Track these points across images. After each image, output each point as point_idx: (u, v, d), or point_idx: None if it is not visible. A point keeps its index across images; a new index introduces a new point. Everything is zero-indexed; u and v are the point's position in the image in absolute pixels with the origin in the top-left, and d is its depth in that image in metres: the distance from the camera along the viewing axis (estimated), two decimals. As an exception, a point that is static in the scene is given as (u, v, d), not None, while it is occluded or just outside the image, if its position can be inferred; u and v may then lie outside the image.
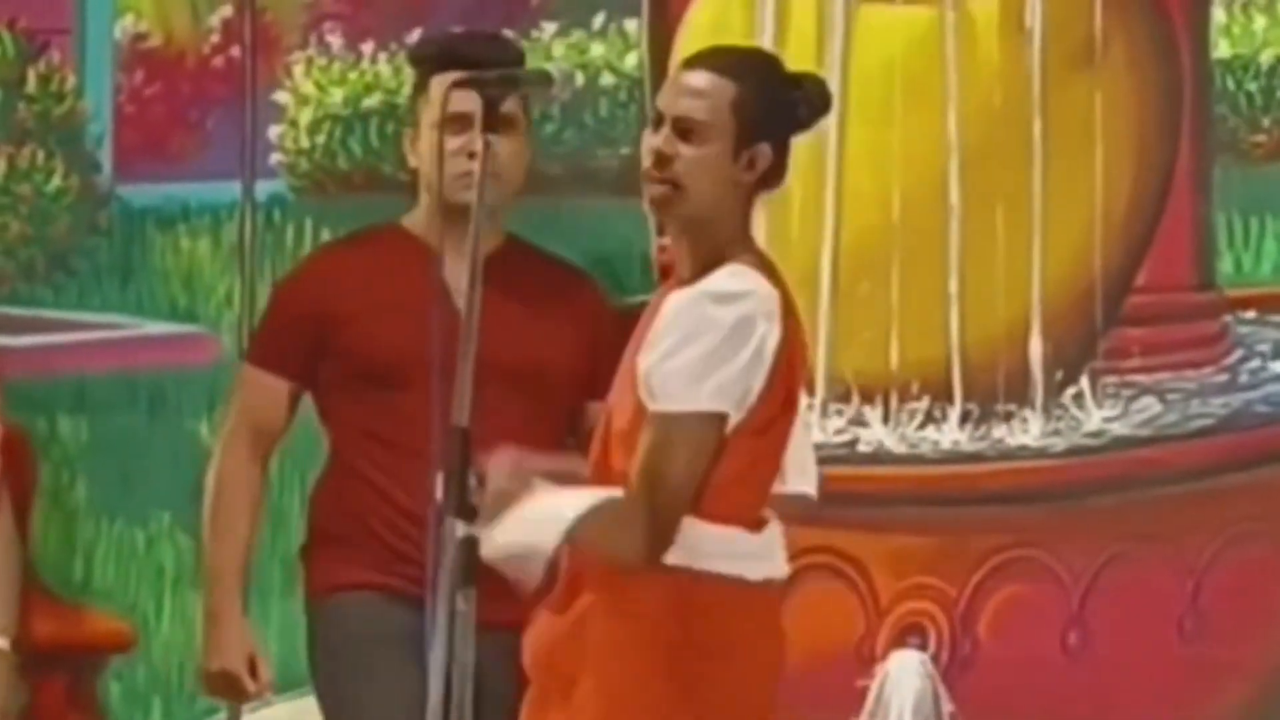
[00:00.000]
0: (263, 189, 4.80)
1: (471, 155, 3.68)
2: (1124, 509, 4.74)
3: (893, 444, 4.72)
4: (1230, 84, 4.75)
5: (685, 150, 3.29)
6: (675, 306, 3.24)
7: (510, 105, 3.55)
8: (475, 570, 3.18)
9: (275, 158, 4.83)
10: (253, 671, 3.99)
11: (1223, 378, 4.74)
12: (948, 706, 4.65)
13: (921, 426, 4.63)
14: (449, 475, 3.19)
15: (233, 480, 3.98)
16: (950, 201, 4.67)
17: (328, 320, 3.90)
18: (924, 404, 4.63)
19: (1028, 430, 4.65)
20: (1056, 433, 4.70)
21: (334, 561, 3.90)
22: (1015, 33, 4.67)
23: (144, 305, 4.85)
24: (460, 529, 3.18)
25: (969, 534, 4.67)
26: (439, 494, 3.22)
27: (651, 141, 3.31)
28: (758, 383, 3.23)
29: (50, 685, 4.51)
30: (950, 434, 4.64)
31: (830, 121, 4.62)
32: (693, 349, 3.21)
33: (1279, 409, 4.75)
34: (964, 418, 4.65)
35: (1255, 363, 4.79)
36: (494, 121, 3.34)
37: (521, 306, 3.82)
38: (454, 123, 3.75)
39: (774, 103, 3.32)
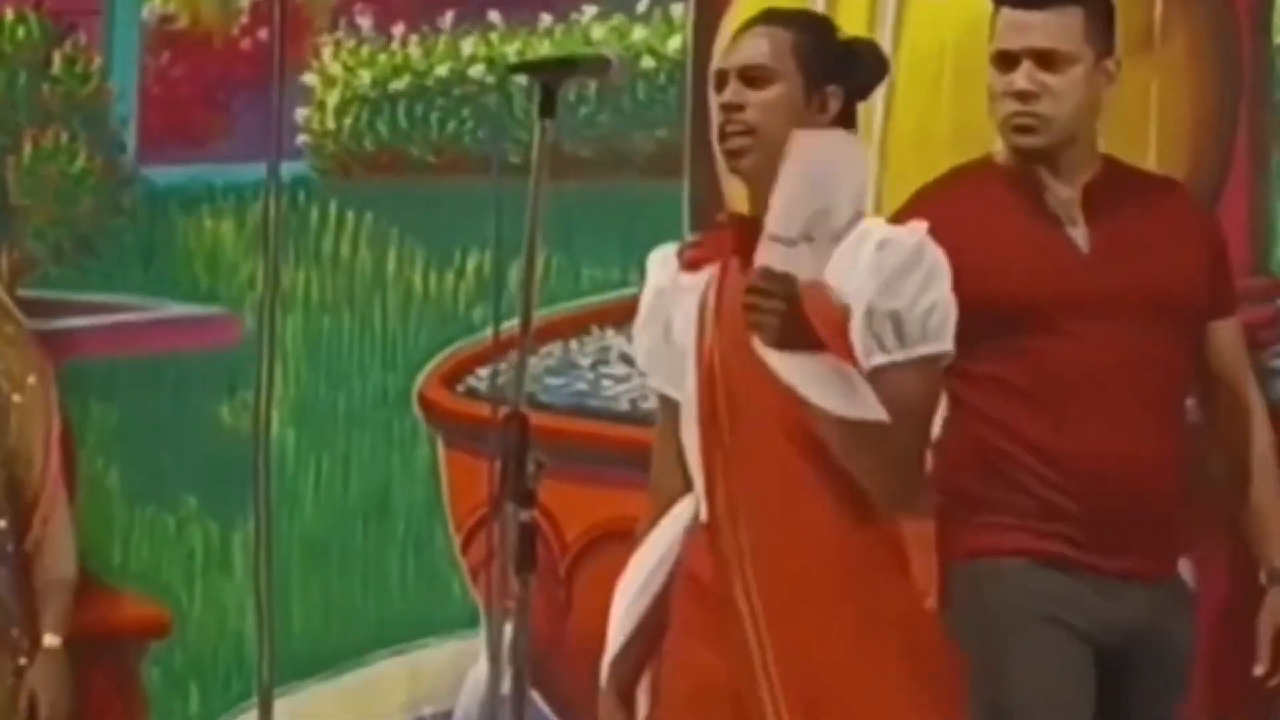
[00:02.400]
0: (287, 170, 4.67)
1: (1020, 95, 3.64)
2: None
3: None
4: (1293, 64, 4.50)
5: (754, 96, 3.35)
6: (900, 250, 3.30)
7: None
8: (534, 556, 3.19)
9: (301, 139, 4.67)
10: None
11: (1278, 362, 4.47)
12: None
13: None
14: (506, 460, 3.19)
15: None
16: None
17: None
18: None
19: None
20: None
21: (977, 524, 3.64)
22: (1072, 18, 4.41)
23: (167, 287, 4.77)
24: (519, 514, 3.18)
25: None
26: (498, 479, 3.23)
27: (719, 99, 3.38)
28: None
29: (96, 673, 4.48)
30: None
31: (877, 103, 4.38)
32: (935, 291, 3.28)
33: (1335, 395, 4.47)
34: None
35: None
36: (550, 107, 3.30)
37: (1133, 233, 3.68)
38: (1002, 61, 3.66)
39: (834, 50, 3.41)
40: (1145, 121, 4.66)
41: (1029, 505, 3.55)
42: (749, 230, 3.33)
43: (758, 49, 3.35)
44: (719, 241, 3.42)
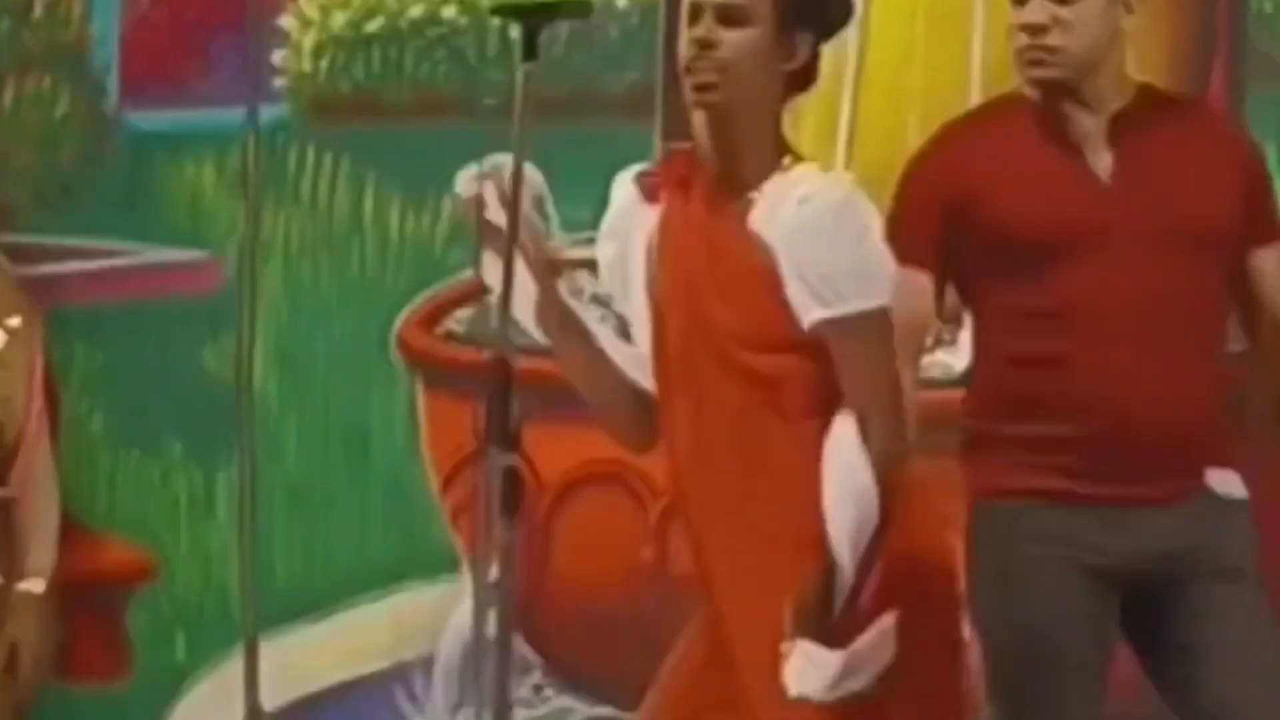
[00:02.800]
0: (266, 114, 4.65)
1: (1030, 28, 3.58)
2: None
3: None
4: (1268, 7, 4.45)
5: (728, 35, 3.36)
6: (828, 207, 3.30)
7: None
8: (519, 500, 3.17)
9: (279, 82, 4.65)
10: None
11: None
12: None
13: (929, 350, 4.39)
14: (491, 404, 3.19)
15: None
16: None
17: (964, 202, 3.61)
18: (932, 329, 4.39)
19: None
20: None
21: (994, 461, 3.61)
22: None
23: (150, 232, 4.75)
24: (502, 459, 3.17)
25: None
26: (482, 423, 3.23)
27: (691, 32, 3.39)
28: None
29: (81, 619, 4.48)
30: (962, 359, 4.42)
31: (849, 54, 4.34)
32: (868, 245, 3.29)
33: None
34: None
35: None
36: (532, 51, 3.33)
37: (1158, 161, 3.55)
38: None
39: None
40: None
41: (1039, 441, 3.54)
42: (694, 168, 3.37)
43: None
44: (670, 175, 3.46)
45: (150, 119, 4.96)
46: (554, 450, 4.47)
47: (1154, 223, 3.45)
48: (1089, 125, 3.50)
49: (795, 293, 3.27)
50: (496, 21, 4.80)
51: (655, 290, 3.38)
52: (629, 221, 3.45)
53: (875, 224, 3.31)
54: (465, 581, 4.71)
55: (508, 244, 3.28)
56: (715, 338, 3.30)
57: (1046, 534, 3.50)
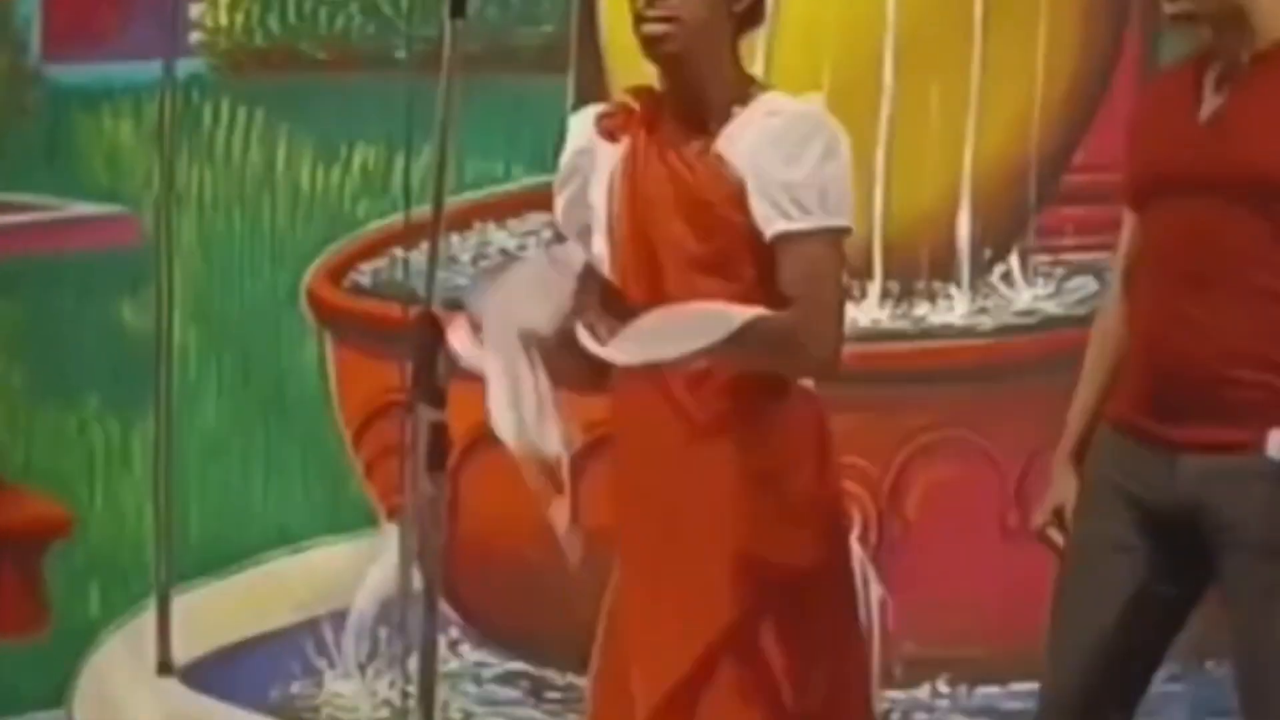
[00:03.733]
0: (183, 68, 4.57)
1: None
2: (1059, 389, 4.45)
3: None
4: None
5: None
6: (795, 120, 3.30)
7: None
8: (446, 455, 3.17)
9: (195, 36, 4.57)
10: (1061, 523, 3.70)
11: None
12: (877, 589, 4.40)
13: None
14: (418, 359, 3.16)
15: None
16: (883, 78, 4.34)
17: (1127, 144, 3.58)
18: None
19: (953, 308, 4.32)
20: (984, 311, 4.41)
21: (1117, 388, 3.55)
22: (963, -96, 4.36)
23: (70, 186, 4.70)
24: (429, 414, 3.17)
25: (891, 414, 4.42)
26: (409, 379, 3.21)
27: None
28: None
29: (0, 571, 4.37)
30: (869, 312, 4.36)
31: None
32: (834, 164, 3.29)
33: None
34: (884, 295, 4.33)
35: None
36: (460, 7, 3.33)
37: (1259, 108, 3.42)
38: None
39: None
40: (1034, 12, 4.59)
41: (1126, 370, 3.52)
42: (657, 106, 3.36)
43: None
44: (632, 114, 3.42)
45: (70, 72, 4.89)
46: (461, 403, 4.42)
47: (1231, 169, 3.38)
48: (1220, 69, 3.42)
49: (758, 205, 3.26)
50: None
51: (616, 228, 3.36)
52: (588, 159, 3.43)
53: (842, 145, 3.30)
54: (380, 536, 4.67)
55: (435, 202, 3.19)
56: (678, 266, 3.28)
57: (1112, 459, 3.49)
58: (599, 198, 3.39)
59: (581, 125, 3.45)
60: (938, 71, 4.69)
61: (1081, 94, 4.66)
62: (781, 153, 3.25)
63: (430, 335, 3.13)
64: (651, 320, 3.20)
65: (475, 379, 4.39)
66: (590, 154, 3.41)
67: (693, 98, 3.31)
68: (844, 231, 3.29)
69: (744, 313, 3.18)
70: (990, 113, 4.66)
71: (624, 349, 3.18)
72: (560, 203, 3.47)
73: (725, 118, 3.30)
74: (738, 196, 3.27)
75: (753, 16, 3.37)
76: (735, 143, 3.29)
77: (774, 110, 3.29)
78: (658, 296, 3.29)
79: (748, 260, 3.28)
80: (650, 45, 3.30)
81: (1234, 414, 3.38)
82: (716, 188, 3.27)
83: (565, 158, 3.46)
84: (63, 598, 4.74)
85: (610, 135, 3.38)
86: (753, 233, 3.26)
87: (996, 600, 4.60)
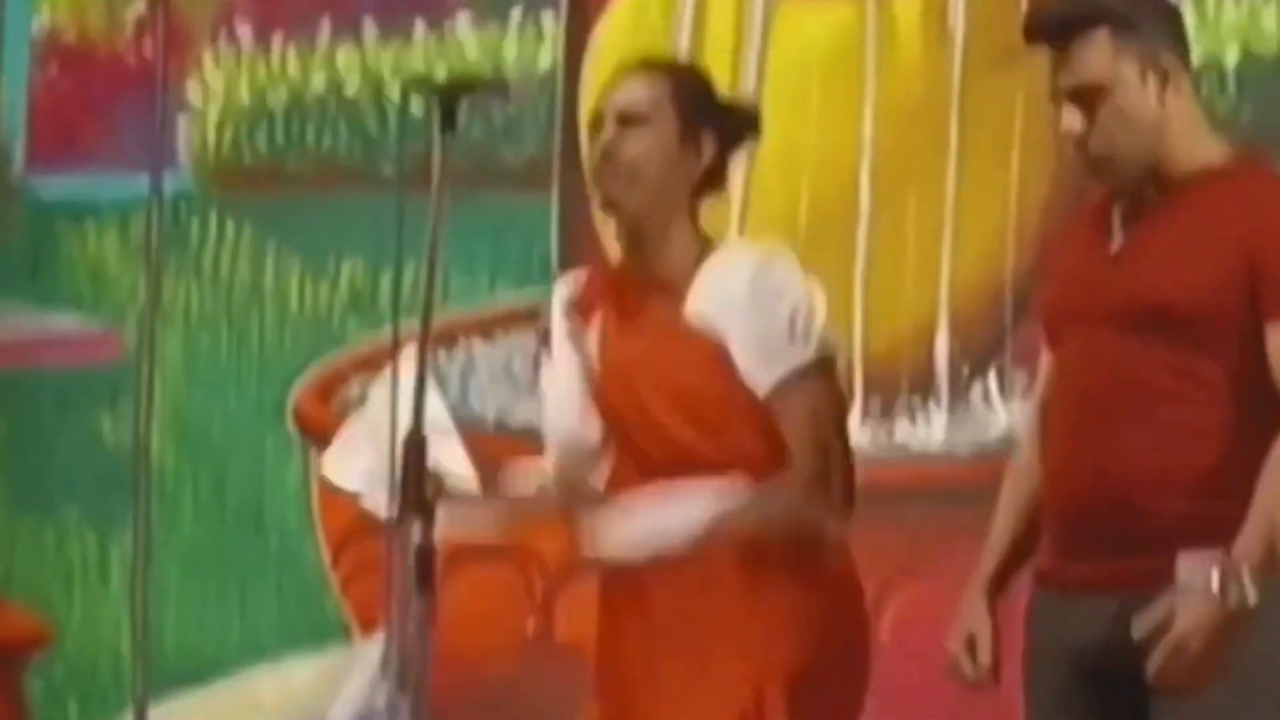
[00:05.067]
0: (170, 183, 4.54)
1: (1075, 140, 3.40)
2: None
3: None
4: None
5: (633, 134, 3.35)
6: (749, 274, 3.29)
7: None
8: (433, 576, 3.10)
9: (183, 151, 4.54)
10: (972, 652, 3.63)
11: None
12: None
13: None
14: (406, 478, 3.10)
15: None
16: (861, 201, 4.31)
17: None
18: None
19: (931, 428, 4.27)
20: (962, 430, 4.33)
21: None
22: (937, 33, 4.45)
23: (53, 299, 4.65)
24: (418, 533, 3.09)
25: (868, 533, 4.33)
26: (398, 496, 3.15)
27: (598, 143, 3.36)
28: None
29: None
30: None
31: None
32: (787, 305, 3.29)
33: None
34: (864, 414, 4.28)
35: None
36: (451, 124, 3.26)
37: (1161, 237, 3.35)
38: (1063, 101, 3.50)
39: (710, 98, 3.42)
40: (1009, 136, 4.58)
41: (1045, 524, 3.43)
42: (619, 282, 3.36)
43: (635, 94, 3.35)
44: (597, 290, 3.43)
45: (55, 186, 4.86)
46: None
47: (1135, 302, 3.33)
48: (1123, 205, 3.37)
49: (744, 365, 3.25)
50: (397, 95, 4.72)
51: (600, 402, 3.33)
52: (560, 330, 3.41)
53: (791, 284, 3.28)
54: (355, 651, 4.58)
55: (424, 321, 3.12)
56: (659, 439, 3.25)
57: (1046, 621, 3.40)
58: (560, 375, 3.36)
59: (560, 291, 3.43)
60: (914, 193, 4.68)
61: (1055, 213, 4.67)
62: (746, 308, 3.22)
63: (419, 454, 3.07)
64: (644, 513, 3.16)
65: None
66: (561, 325, 3.38)
67: (651, 262, 3.28)
68: (808, 366, 3.25)
69: (729, 500, 3.13)
70: (966, 232, 4.67)
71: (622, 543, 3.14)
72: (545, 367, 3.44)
73: (689, 280, 3.26)
74: (719, 358, 3.25)
75: (714, 179, 3.35)
76: (708, 304, 3.26)
77: (734, 262, 3.27)
78: (646, 466, 3.24)
79: (736, 420, 3.25)
80: (608, 206, 3.29)
81: (1148, 544, 3.28)
82: (695, 354, 3.24)
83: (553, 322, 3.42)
84: (42, 710, 4.66)
85: (583, 316, 3.35)
86: (738, 391, 3.23)
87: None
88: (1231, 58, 4.52)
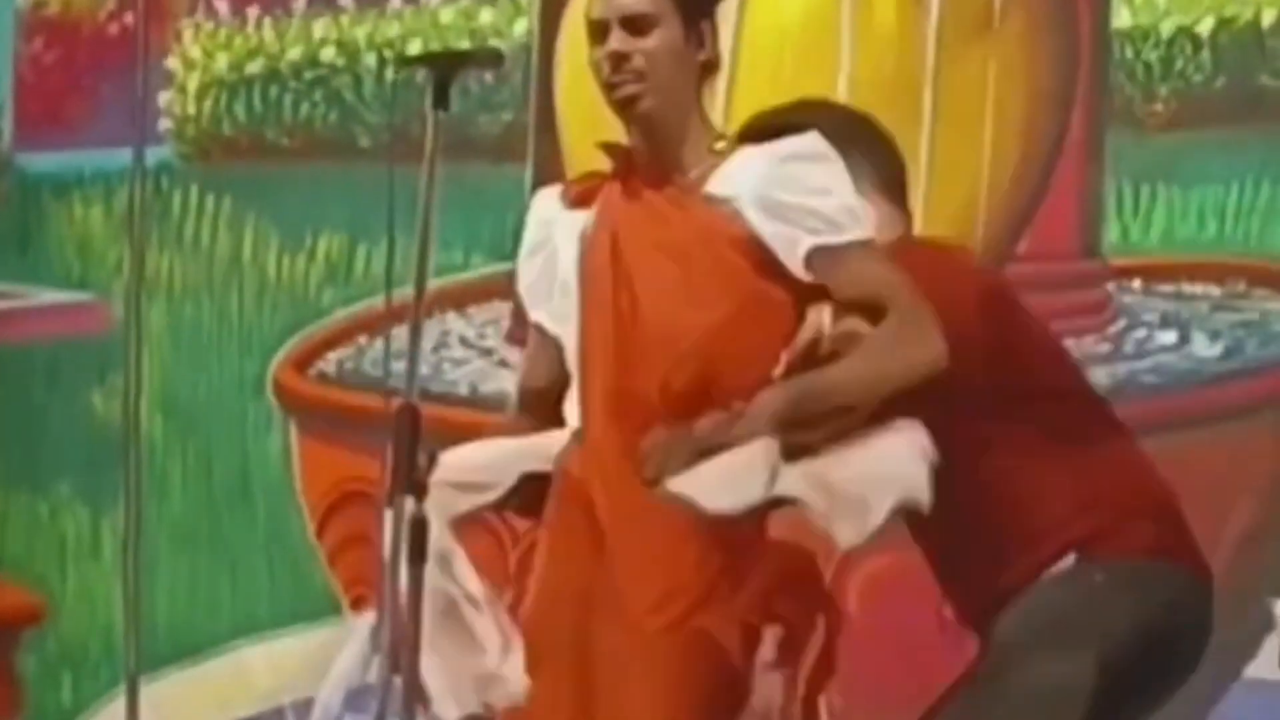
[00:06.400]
0: (152, 155, 4.49)
1: None
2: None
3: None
4: (1129, 53, 4.34)
5: (641, 43, 3.32)
6: (808, 154, 3.23)
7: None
8: (424, 548, 3.04)
9: (164, 124, 4.48)
10: None
11: (1106, 347, 4.47)
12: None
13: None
14: (398, 451, 3.03)
15: None
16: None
17: None
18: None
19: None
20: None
21: None
22: (912, 4, 4.35)
23: (42, 273, 4.61)
24: (410, 507, 3.03)
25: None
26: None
27: (605, 48, 3.33)
28: None
29: (-29, 661, 4.31)
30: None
31: (717, 93, 4.19)
32: (840, 187, 3.22)
33: (1166, 379, 4.38)
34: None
35: (1141, 332, 4.51)
36: (444, 99, 3.20)
37: None
38: None
39: None
40: (981, 105, 4.52)
41: None
42: (628, 159, 3.34)
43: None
44: (601, 179, 3.40)
45: (41, 161, 4.80)
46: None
47: None
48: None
49: (777, 233, 3.20)
50: (373, 64, 4.66)
51: (589, 284, 3.29)
52: (553, 230, 3.39)
53: (843, 170, 3.24)
54: (344, 626, 4.56)
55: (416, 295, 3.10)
56: (657, 302, 3.20)
57: None
58: (569, 264, 3.33)
59: (545, 199, 3.42)
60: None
61: (1026, 184, 4.65)
62: (798, 180, 3.17)
63: (410, 427, 3.01)
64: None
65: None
66: (555, 224, 3.36)
67: (669, 149, 3.26)
68: (869, 242, 3.17)
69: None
70: (936, 203, 4.62)
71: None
72: (527, 274, 3.41)
73: (702, 163, 3.24)
74: (734, 230, 3.20)
75: (713, 64, 3.35)
76: (733, 180, 3.22)
77: (788, 148, 3.21)
78: (627, 351, 3.21)
79: (733, 292, 3.20)
80: (624, 108, 3.27)
81: None
82: (709, 223, 3.21)
83: (530, 230, 3.42)
84: (35, 685, 4.63)
85: (579, 201, 3.35)
86: (744, 266, 3.20)
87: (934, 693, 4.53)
88: (1206, 26, 4.48)
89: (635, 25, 3.26)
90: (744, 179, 3.23)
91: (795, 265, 3.20)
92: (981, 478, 3.19)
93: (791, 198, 3.20)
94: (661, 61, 3.26)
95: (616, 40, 3.26)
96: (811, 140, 3.26)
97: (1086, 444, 3.19)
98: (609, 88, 3.27)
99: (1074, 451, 3.21)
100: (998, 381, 3.19)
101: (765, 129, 3.31)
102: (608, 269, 3.25)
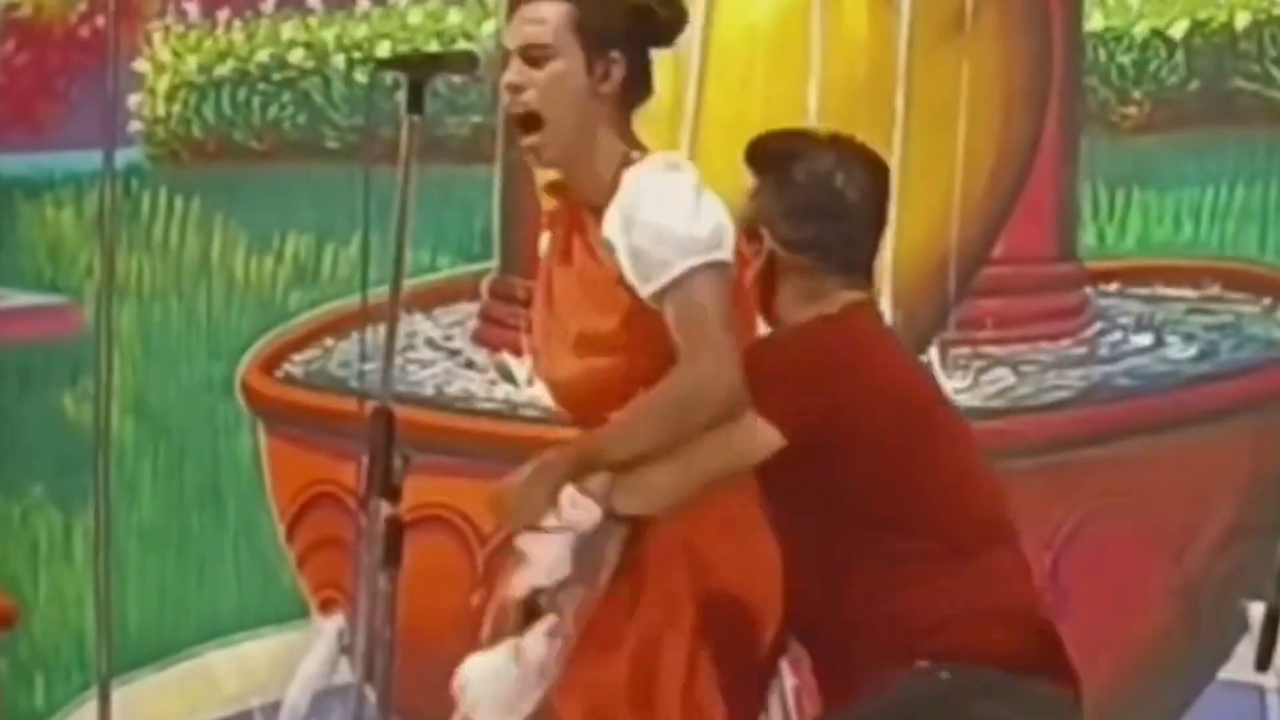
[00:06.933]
0: (122, 157, 4.42)
1: None
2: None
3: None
4: (1103, 56, 4.30)
5: (536, 75, 3.30)
6: (633, 188, 3.22)
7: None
8: (400, 551, 3.07)
9: (134, 126, 4.43)
10: None
11: (1081, 350, 4.42)
12: (790, 680, 4.23)
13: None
14: (373, 455, 3.04)
15: None
16: (805, 172, 4.23)
17: None
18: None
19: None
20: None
21: None
22: (883, 5, 4.31)
23: (13, 276, 4.55)
24: (385, 509, 3.04)
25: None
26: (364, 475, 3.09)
27: (505, 78, 3.35)
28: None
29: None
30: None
31: (689, 90, 4.14)
32: (673, 212, 3.21)
33: (1141, 382, 4.35)
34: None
35: (1117, 335, 4.47)
36: (418, 103, 3.19)
37: None
38: None
39: (616, 14, 3.34)
40: (954, 107, 4.48)
41: None
42: (562, 194, 3.30)
43: (537, 30, 3.28)
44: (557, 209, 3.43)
45: (12, 163, 4.75)
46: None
47: None
48: None
49: (629, 274, 3.19)
50: (341, 65, 4.62)
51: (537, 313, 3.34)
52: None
53: (689, 192, 3.18)
54: (312, 629, 4.50)
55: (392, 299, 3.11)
56: (571, 348, 3.21)
57: None
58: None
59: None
60: (859, 165, 4.60)
61: (1001, 187, 4.63)
62: (632, 220, 3.15)
63: (386, 430, 3.01)
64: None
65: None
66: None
67: (588, 185, 3.22)
68: (714, 266, 3.14)
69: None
70: (911, 206, 4.61)
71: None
72: None
73: (610, 193, 3.19)
74: (614, 272, 3.20)
75: (636, 92, 3.26)
76: (607, 226, 3.21)
77: (625, 183, 3.19)
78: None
79: (633, 333, 3.15)
80: (530, 156, 3.24)
81: None
82: (596, 270, 3.20)
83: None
84: (8, 688, 4.57)
85: (545, 225, 3.33)
86: (640, 306, 3.19)
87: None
88: (1179, 28, 4.44)
89: (532, 58, 3.21)
90: (612, 224, 3.17)
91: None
92: (855, 591, 3.16)
93: (626, 242, 3.12)
94: (555, 94, 3.18)
95: (513, 71, 3.22)
96: (643, 174, 3.15)
97: (960, 559, 3.14)
98: (506, 119, 3.25)
99: (945, 568, 3.14)
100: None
101: (770, 153, 3.29)
102: (545, 302, 3.27)
